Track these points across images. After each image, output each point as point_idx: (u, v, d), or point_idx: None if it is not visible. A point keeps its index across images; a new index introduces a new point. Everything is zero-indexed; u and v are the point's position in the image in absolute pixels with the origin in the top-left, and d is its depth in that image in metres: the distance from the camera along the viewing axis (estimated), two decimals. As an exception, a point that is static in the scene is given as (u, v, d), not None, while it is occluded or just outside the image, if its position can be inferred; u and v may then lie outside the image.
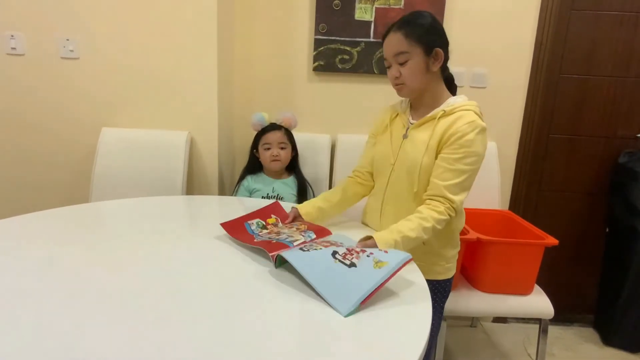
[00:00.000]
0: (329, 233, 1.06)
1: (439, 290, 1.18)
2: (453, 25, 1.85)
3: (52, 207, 1.22)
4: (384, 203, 1.17)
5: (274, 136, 1.62)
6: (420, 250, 1.10)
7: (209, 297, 0.79)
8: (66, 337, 0.64)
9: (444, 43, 1.07)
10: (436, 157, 1.07)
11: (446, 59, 1.09)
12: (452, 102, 1.09)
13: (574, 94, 1.92)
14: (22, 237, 1.01)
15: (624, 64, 1.88)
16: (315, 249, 0.87)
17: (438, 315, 1.23)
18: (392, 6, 1.82)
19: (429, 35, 1.04)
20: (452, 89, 1.16)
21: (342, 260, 0.82)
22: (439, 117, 1.07)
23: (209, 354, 0.63)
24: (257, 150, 1.66)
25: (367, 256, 0.82)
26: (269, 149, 1.62)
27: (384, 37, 1.10)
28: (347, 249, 0.86)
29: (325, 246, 0.90)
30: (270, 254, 0.91)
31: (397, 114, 1.19)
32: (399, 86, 1.10)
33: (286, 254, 0.86)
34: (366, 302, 0.75)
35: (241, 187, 1.67)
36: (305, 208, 1.18)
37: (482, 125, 1.04)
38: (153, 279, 0.84)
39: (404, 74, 1.06)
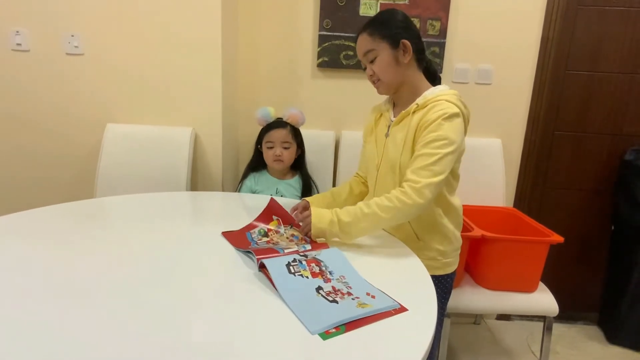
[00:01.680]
0: (325, 246, 0.99)
1: (438, 286, 1.17)
2: (458, 21, 1.84)
3: (57, 203, 1.22)
4: None
5: (278, 134, 1.56)
6: (414, 246, 1.09)
7: (209, 294, 0.79)
8: (66, 333, 0.65)
9: (411, 34, 1.07)
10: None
11: (419, 49, 1.09)
12: (428, 94, 1.08)
13: (580, 91, 1.91)
14: (25, 232, 1.02)
15: (631, 61, 1.86)
16: (301, 275, 0.84)
17: (440, 312, 1.22)
18: (396, 2, 1.80)
19: (392, 29, 1.05)
20: (436, 80, 1.15)
21: (325, 296, 0.79)
22: (413, 112, 1.07)
23: (205, 352, 0.63)
24: (261, 146, 1.61)
25: (352, 299, 0.79)
26: (271, 147, 1.56)
27: (355, 42, 1.13)
28: (333, 287, 0.83)
29: (314, 274, 0.87)
30: (257, 257, 0.89)
31: (381, 114, 1.20)
32: (376, 84, 1.13)
33: (269, 263, 0.84)
34: (352, 329, 0.70)
35: (244, 187, 1.63)
36: (315, 201, 1.20)
37: (451, 112, 1.00)
38: (153, 275, 0.84)
39: (375, 71, 1.09)
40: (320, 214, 1.00)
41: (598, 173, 1.98)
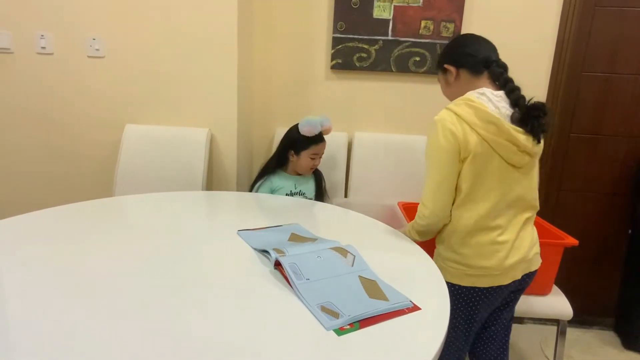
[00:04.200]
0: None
1: (451, 294, 1.05)
2: (472, 22, 1.83)
3: (77, 201, 1.25)
4: None
5: (322, 148, 1.61)
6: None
7: (225, 291, 0.81)
8: (82, 330, 0.67)
9: (452, 58, 1.15)
10: None
11: (471, 64, 1.11)
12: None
13: (596, 92, 1.88)
14: (44, 230, 1.05)
15: (649, 62, 1.83)
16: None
17: (457, 323, 1.13)
18: (410, 4, 1.81)
19: (441, 58, 1.18)
20: (501, 82, 1.13)
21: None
22: None
23: (221, 348, 0.65)
24: (295, 153, 1.59)
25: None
26: (314, 158, 1.61)
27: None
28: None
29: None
30: (272, 256, 0.90)
31: None
32: None
33: (284, 261, 0.85)
34: (365, 326, 0.71)
35: (263, 187, 1.61)
36: None
37: (433, 121, 1.05)
38: (169, 273, 0.86)
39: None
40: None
41: (615, 176, 1.95)
